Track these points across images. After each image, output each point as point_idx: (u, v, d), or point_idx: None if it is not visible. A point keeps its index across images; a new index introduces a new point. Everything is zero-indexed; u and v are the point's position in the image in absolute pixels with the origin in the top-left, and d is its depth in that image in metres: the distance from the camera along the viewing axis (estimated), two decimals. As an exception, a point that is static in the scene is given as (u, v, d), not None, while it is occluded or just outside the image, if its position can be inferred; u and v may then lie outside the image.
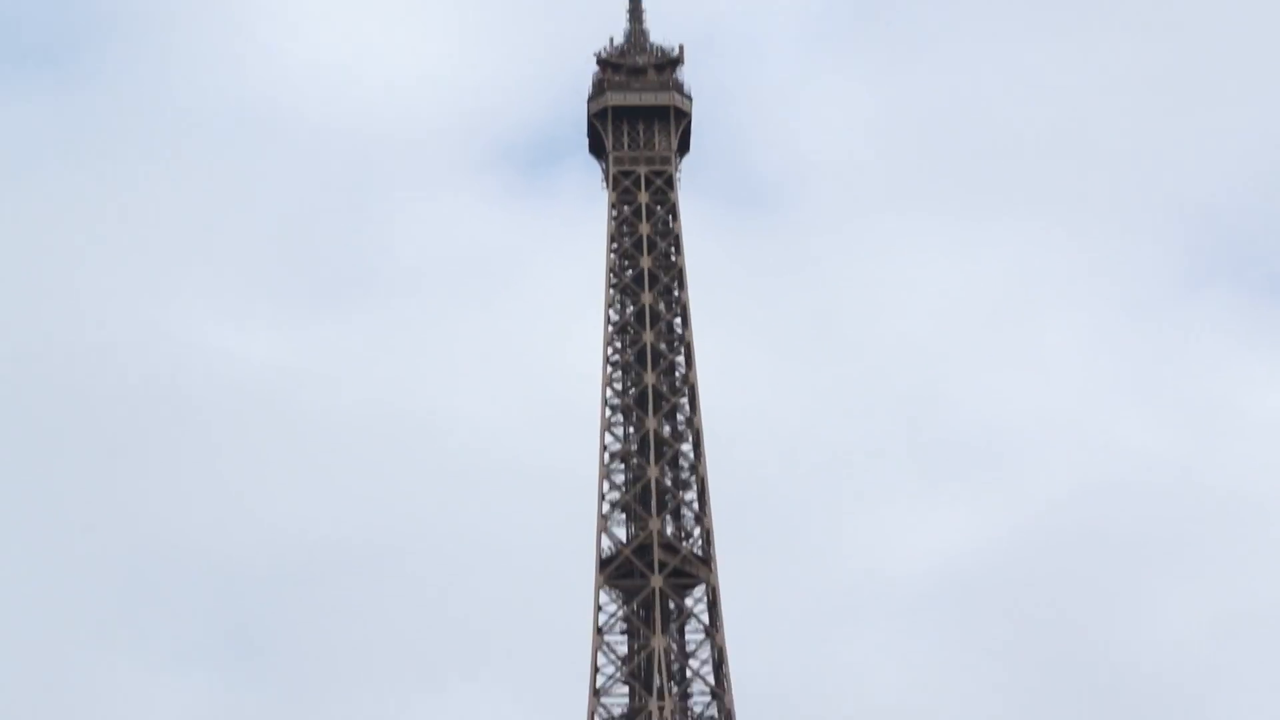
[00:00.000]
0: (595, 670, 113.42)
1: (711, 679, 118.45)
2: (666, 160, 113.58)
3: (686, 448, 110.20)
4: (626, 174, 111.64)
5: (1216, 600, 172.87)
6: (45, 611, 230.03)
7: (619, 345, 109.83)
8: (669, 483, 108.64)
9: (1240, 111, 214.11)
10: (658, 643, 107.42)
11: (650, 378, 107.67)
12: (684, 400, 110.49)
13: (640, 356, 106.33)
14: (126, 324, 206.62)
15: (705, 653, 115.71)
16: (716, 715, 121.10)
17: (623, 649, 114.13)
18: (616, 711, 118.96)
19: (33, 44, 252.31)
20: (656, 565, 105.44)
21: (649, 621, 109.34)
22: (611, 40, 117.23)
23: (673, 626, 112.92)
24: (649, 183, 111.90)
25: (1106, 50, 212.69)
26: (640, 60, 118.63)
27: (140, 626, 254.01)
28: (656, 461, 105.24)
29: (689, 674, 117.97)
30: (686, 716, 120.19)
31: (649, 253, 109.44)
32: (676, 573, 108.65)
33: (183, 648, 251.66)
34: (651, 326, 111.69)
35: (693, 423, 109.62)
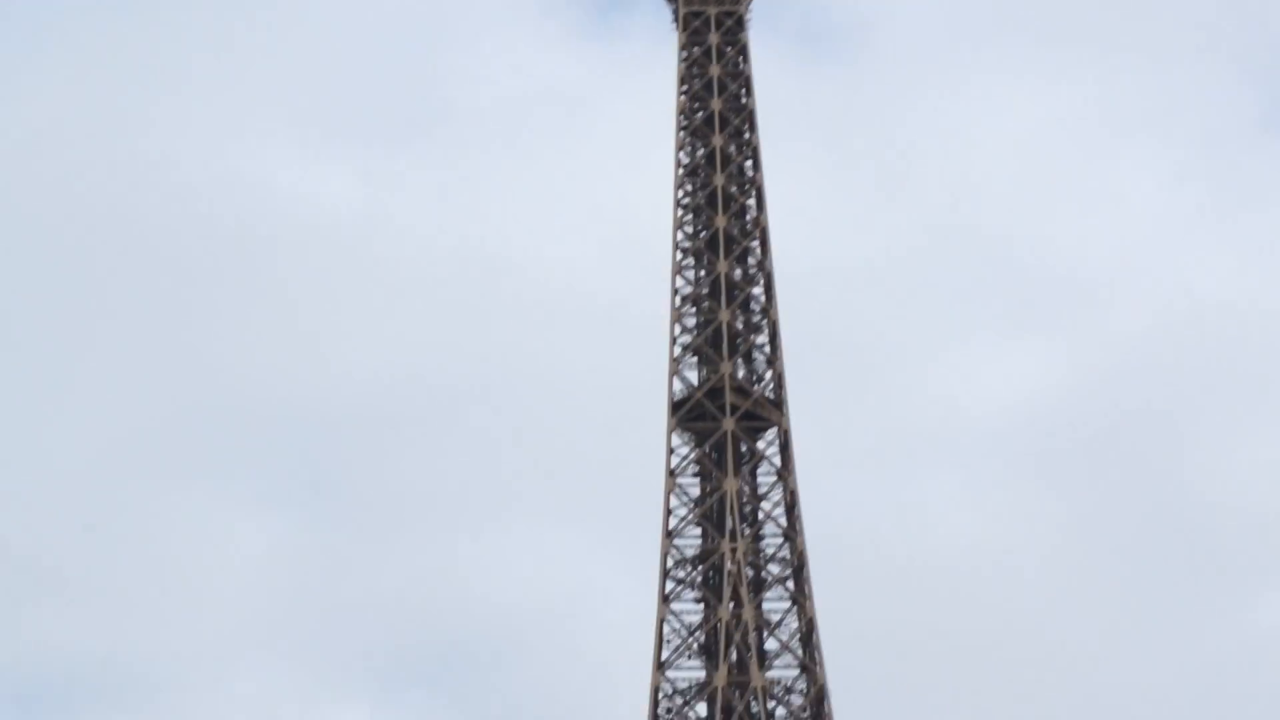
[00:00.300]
0: (668, 513, 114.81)
1: (783, 521, 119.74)
2: (737, 0, 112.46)
3: (758, 291, 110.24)
4: (696, 15, 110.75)
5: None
6: (127, 451, 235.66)
7: (689, 188, 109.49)
8: (740, 326, 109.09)
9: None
10: (729, 485, 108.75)
11: (721, 221, 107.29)
12: (755, 243, 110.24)
13: (710, 199, 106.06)
14: (204, 166, 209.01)
15: (777, 495, 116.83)
16: (789, 557, 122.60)
17: (695, 492, 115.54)
18: (689, 553, 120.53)
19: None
20: (728, 408, 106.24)
21: (721, 464, 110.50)
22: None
23: (744, 469, 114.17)
24: (719, 24, 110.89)
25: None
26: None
27: (219, 469, 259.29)
28: (728, 305, 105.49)
29: (761, 516, 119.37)
30: (759, 558, 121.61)
31: (719, 95, 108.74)
32: (748, 416, 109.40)
33: (260, 489, 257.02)
34: (722, 169, 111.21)
35: (764, 265, 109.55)
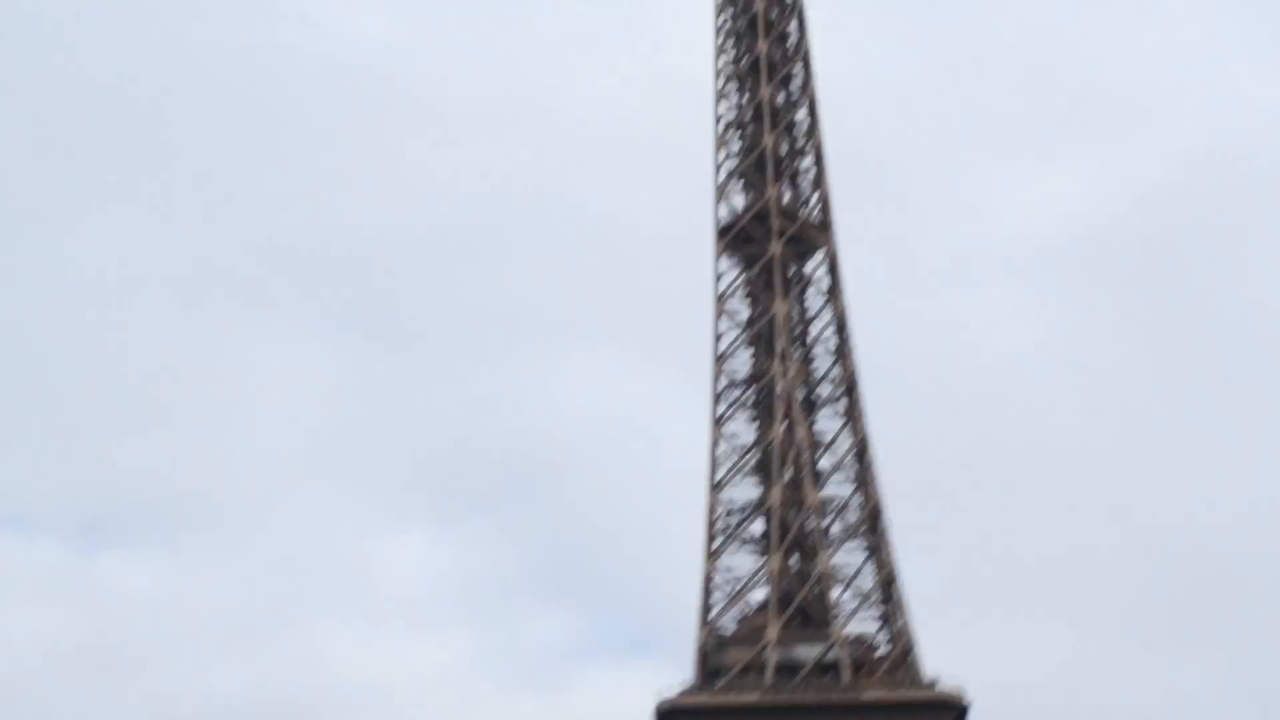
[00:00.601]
0: (717, 337, 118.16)
1: (833, 343, 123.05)
2: None
3: (801, 115, 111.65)
4: None
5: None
6: (186, 278, 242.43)
7: (729, 14, 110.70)
8: (785, 150, 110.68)
9: None
10: (779, 308, 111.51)
11: (762, 46, 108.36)
12: (798, 67, 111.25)
13: (752, 25, 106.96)
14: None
15: (826, 317, 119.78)
16: (839, 377, 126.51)
17: (745, 315, 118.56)
18: (740, 375, 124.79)
19: None
20: (775, 231, 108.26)
21: (769, 287, 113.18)
22: None
23: (793, 292, 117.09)
24: None
25: None
26: None
27: (274, 297, 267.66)
28: (771, 129, 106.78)
29: (810, 338, 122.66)
30: (810, 379, 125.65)
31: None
32: (795, 239, 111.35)
33: (318, 319, 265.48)
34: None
35: (807, 89, 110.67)
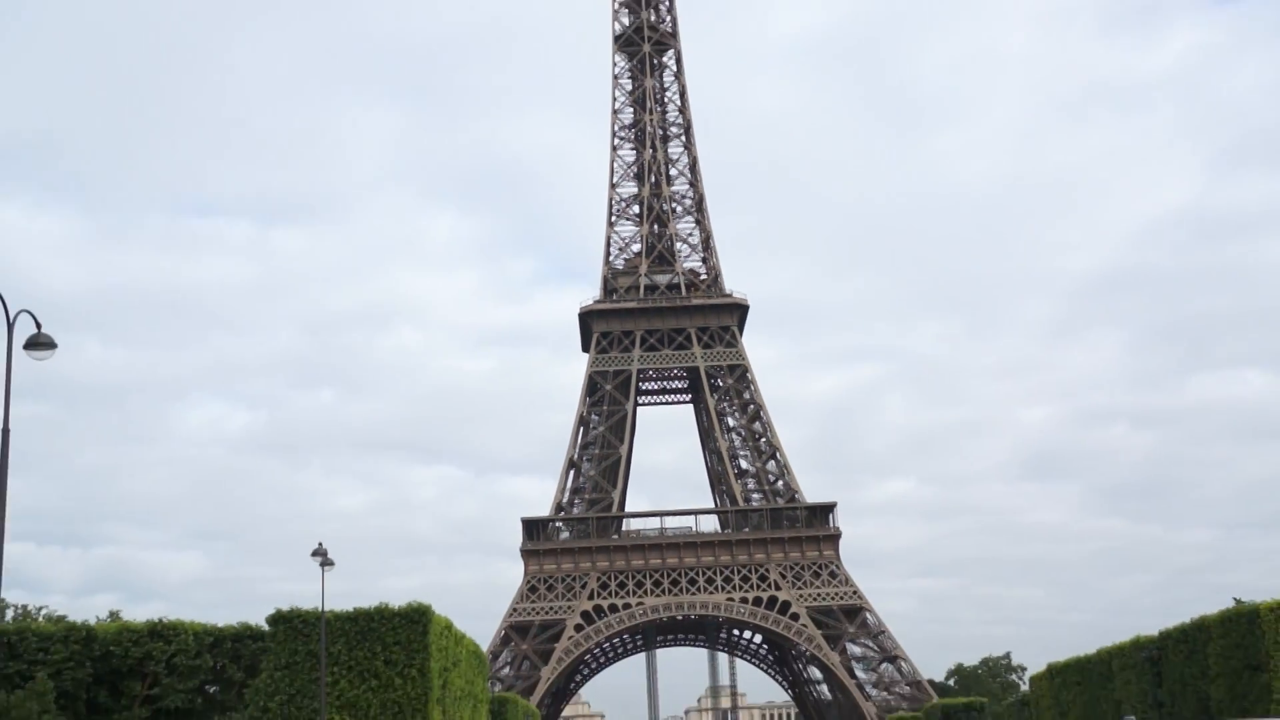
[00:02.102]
0: (614, 111, 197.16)
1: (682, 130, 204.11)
2: None
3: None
4: None
5: None
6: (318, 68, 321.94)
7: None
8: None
9: None
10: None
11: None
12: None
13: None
14: None
15: (678, 105, 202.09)
16: (681, 124, 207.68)
17: (629, 118, 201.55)
18: (626, 123, 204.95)
19: None
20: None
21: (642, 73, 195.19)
22: None
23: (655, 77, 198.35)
24: None
25: None
26: None
27: (365, 81, 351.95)
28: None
29: (665, 104, 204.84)
30: (664, 124, 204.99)
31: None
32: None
33: (385, 94, 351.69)
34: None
35: None
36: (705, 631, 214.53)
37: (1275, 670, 63.31)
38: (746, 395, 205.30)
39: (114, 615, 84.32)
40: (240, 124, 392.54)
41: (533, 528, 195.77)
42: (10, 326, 28.90)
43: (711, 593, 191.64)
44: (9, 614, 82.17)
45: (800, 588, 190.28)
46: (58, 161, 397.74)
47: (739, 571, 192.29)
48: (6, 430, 28.44)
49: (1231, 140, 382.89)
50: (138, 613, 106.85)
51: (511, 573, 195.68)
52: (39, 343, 29.42)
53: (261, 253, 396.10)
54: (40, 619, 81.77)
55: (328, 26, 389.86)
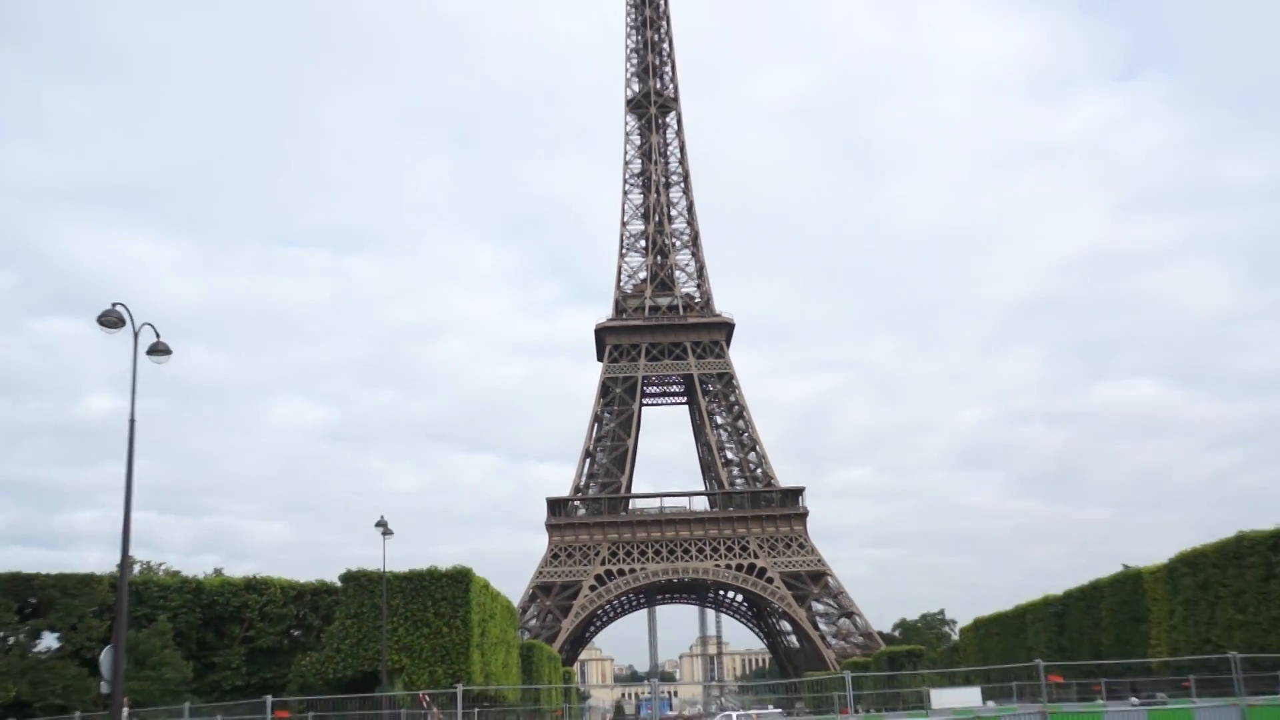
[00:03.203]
0: (625, 183, 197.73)
1: (680, 178, 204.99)
2: None
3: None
4: None
5: None
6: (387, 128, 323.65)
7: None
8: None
9: None
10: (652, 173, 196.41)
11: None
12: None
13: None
14: None
15: (676, 167, 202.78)
16: (680, 173, 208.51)
17: (638, 167, 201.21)
18: (635, 171, 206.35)
19: None
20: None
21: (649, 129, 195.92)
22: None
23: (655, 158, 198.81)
24: None
25: None
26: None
27: (421, 131, 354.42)
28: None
29: (670, 171, 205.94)
30: (668, 175, 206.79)
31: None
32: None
33: (438, 144, 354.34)
34: None
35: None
36: (696, 591, 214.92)
37: (1154, 621, 64.53)
38: (732, 398, 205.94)
39: (217, 572, 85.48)
40: (321, 169, 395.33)
41: (555, 506, 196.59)
42: (136, 336, 29.67)
43: (701, 560, 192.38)
44: (135, 568, 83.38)
45: (774, 556, 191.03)
46: (175, 201, 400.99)
47: (724, 543, 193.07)
48: (133, 420, 29.38)
49: (1129, 192, 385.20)
50: (236, 570, 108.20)
51: (538, 542, 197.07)
52: (158, 349, 30.43)
53: (336, 276, 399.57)
54: (160, 573, 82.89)
55: (393, 91, 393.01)
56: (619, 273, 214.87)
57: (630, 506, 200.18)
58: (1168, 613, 62.25)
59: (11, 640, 53.71)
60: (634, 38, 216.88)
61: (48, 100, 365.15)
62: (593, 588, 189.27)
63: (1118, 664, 61.48)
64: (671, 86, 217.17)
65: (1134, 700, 43.83)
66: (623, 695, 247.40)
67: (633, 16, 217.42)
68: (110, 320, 28.85)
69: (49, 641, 55.73)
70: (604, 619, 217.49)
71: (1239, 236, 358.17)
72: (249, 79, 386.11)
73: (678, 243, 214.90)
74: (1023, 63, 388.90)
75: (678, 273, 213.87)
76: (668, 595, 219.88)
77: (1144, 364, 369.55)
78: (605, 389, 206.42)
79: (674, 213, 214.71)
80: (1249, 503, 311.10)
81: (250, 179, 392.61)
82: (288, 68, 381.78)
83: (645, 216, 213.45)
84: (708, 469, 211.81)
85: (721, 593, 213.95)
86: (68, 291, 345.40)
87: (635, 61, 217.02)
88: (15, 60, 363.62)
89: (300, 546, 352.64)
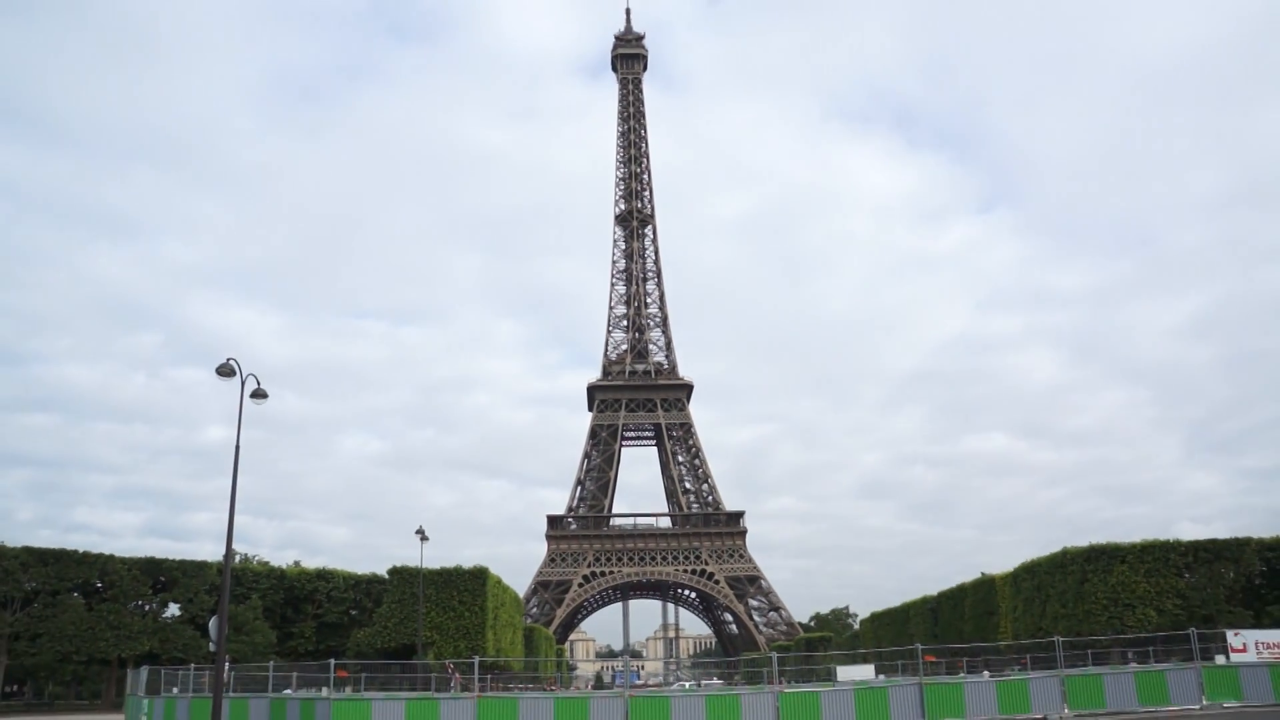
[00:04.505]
0: (624, 268, 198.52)
1: (654, 270, 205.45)
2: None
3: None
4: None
5: None
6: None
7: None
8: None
9: None
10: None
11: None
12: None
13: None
14: None
15: (651, 272, 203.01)
16: (655, 269, 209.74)
17: (621, 267, 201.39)
18: (620, 268, 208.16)
19: None
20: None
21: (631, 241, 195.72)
22: None
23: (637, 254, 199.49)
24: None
25: None
26: None
27: (458, 243, 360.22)
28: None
29: (647, 269, 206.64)
30: (644, 270, 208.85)
31: None
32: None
33: (472, 245, 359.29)
34: None
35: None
36: (660, 589, 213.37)
37: (1003, 614, 65.11)
38: (690, 442, 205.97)
39: (296, 564, 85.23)
40: (384, 262, 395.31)
41: (553, 521, 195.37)
42: (243, 383, 29.80)
43: (665, 565, 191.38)
44: (236, 558, 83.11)
45: (720, 563, 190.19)
46: (278, 282, 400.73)
47: (682, 552, 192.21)
48: (238, 447, 29.67)
49: (986, 294, 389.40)
50: (310, 562, 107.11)
51: (539, 549, 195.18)
52: (259, 394, 30.34)
53: (393, 342, 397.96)
54: (254, 563, 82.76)
55: (440, 204, 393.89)
56: (606, 344, 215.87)
57: (611, 523, 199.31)
58: (1012, 608, 62.84)
59: (147, 608, 53.77)
60: (622, 169, 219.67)
61: (192, 207, 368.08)
62: (580, 585, 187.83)
63: (976, 646, 61.99)
64: (649, 206, 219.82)
65: (987, 674, 44.39)
66: (602, 668, 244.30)
67: (621, 154, 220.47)
68: (225, 371, 29.11)
69: (173, 610, 55.70)
70: (589, 609, 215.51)
71: (1064, 329, 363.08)
72: (332, 193, 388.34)
73: (651, 323, 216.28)
74: (910, 196, 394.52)
75: (651, 345, 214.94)
76: (638, 592, 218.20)
77: (998, 421, 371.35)
78: (594, 433, 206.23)
79: (649, 300, 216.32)
80: (1072, 526, 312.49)
81: (331, 267, 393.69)
82: (362, 184, 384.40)
83: (627, 302, 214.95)
84: (671, 495, 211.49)
85: (679, 590, 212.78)
86: (196, 348, 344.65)
87: (622, 187, 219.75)
88: (173, 179, 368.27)
89: (358, 546, 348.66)
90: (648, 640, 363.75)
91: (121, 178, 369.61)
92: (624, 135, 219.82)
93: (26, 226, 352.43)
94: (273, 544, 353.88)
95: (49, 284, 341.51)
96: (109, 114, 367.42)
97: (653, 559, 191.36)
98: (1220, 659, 35.10)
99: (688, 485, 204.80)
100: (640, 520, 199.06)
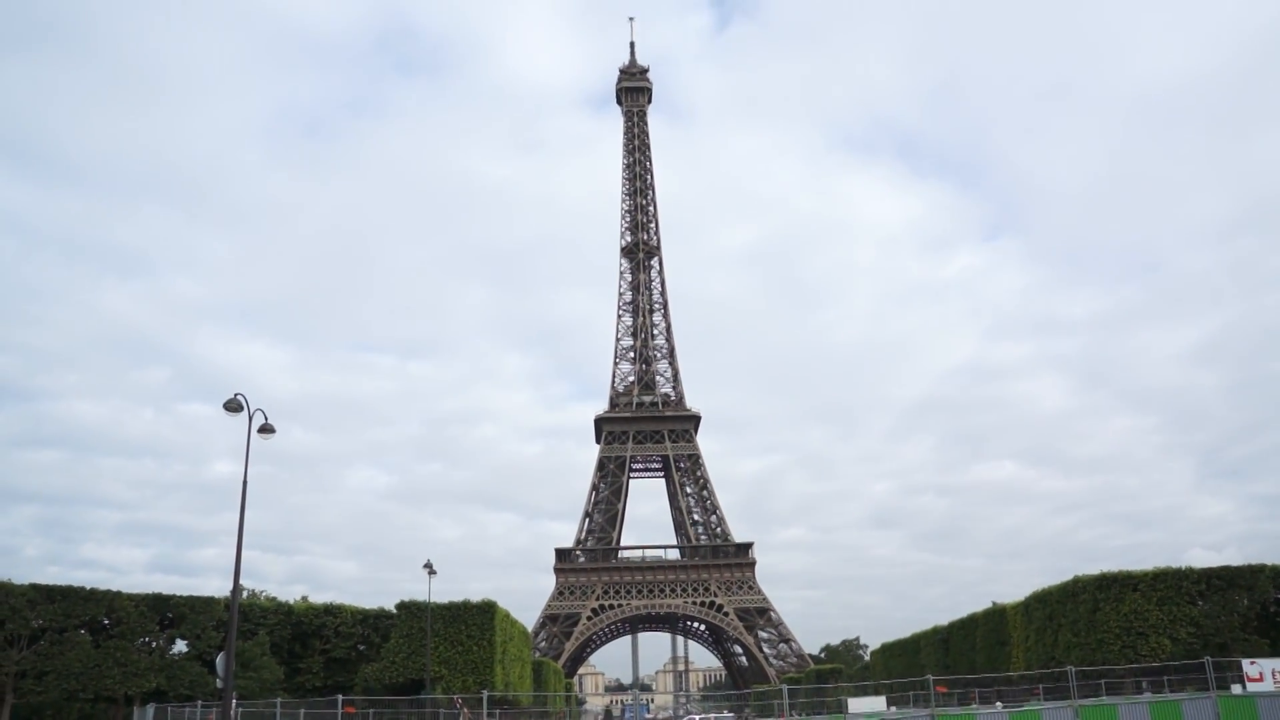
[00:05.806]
0: (624, 291, 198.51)
1: (660, 303, 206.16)
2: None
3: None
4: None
5: None
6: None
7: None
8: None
9: None
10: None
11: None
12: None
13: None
14: None
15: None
16: (660, 301, 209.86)
17: (628, 296, 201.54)
18: (626, 300, 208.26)
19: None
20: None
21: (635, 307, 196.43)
22: None
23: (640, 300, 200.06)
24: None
25: None
26: None
27: (471, 278, 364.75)
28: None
29: (653, 299, 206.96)
30: (650, 302, 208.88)
31: None
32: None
33: (477, 281, 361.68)
34: None
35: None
36: (669, 622, 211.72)
37: (1015, 644, 64.44)
38: (698, 473, 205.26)
39: (304, 598, 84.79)
40: (391, 296, 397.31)
41: (562, 554, 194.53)
42: (250, 418, 29.73)
43: (673, 597, 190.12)
44: (244, 594, 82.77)
45: (730, 595, 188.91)
46: (284, 318, 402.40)
47: (691, 585, 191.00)
48: (245, 482, 29.37)
49: (993, 322, 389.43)
50: (318, 597, 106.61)
51: (548, 582, 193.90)
52: (266, 429, 30.23)
53: (400, 375, 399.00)
54: (261, 598, 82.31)
55: (447, 237, 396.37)
56: (613, 376, 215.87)
57: (619, 556, 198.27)
58: (1024, 637, 62.23)
59: (154, 644, 53.51)
60: (627, 201, 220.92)
61: (200, 242, 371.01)
62: (589, 618, 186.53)
63: (988, 677, 61.28)
64: (655, 238, 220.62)
65: (999, 705, 43.89)
66: (611, 702, 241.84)
67: (627, 186, 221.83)
68: (232, 406, 29.04)
69: (180, 647, 55.39)
70: (597, 642, 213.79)
71: (1071, 356, 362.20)
72: (339, 227, 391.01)
73: (658, 354, 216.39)
74: (915, 225, 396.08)
75: (658, 377, 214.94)
76: (647, 625, 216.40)
77: (1007, 450, 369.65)
78: (601, 465, 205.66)
79: (655, 332, 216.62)
80: (1083, 554, 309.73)
81: (338, 302, 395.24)
82: (369, 218, 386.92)
83: (634, 334, 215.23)
84: (679, 527, 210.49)
85: (688, 623, 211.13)
86: (204, 383, 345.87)
87: (628, 219, 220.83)
88: (181, 214, 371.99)
89: (366, 580, 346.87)
90: (657, 673, 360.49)
91: (130, 214, 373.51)
92: (629, 167, 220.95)
93: (35, 263, 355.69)
94: (280, 579, 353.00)
95: (57, 320, 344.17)
96: (117, 150, 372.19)
97: (661, 591, 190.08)
98: (1236, 688, 34.62)
99: (696, 517, 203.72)
100: (649, 552, 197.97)
